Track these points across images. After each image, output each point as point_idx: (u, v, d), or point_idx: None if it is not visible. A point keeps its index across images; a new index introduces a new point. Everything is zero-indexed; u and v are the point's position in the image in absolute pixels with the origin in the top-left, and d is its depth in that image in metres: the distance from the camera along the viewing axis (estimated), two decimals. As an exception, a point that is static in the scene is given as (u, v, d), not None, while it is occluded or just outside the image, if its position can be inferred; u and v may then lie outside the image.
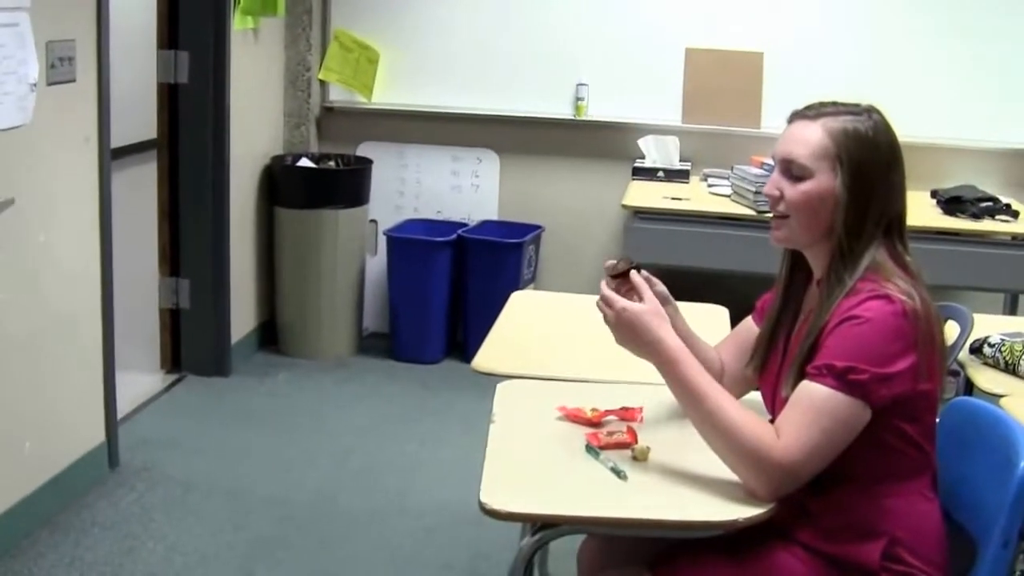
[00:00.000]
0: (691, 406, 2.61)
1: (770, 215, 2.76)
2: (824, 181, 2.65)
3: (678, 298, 2.97)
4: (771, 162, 2.85)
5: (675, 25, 6.66)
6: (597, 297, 2.78)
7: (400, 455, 5.38)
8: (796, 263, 2.83)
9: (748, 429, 2.52)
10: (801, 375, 2.57)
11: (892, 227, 2.70)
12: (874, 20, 6.62)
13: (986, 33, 6.56)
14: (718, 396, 2.58)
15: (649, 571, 2.70)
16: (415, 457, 5.36)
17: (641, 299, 2.72)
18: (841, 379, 2.49)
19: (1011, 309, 6.03)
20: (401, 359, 6.66)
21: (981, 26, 6.56)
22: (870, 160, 2.66)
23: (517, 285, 6.32)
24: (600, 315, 2.75)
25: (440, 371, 6.54)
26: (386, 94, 6.91)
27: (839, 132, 2.66)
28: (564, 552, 3.32)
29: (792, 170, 2.69)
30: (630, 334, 2.68)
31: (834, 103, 2.74)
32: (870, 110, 2.73)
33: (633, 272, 2.79)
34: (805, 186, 2.67)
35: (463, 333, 6.63)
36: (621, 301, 2.70)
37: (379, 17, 6.84)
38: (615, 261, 2.82)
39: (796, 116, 2.76)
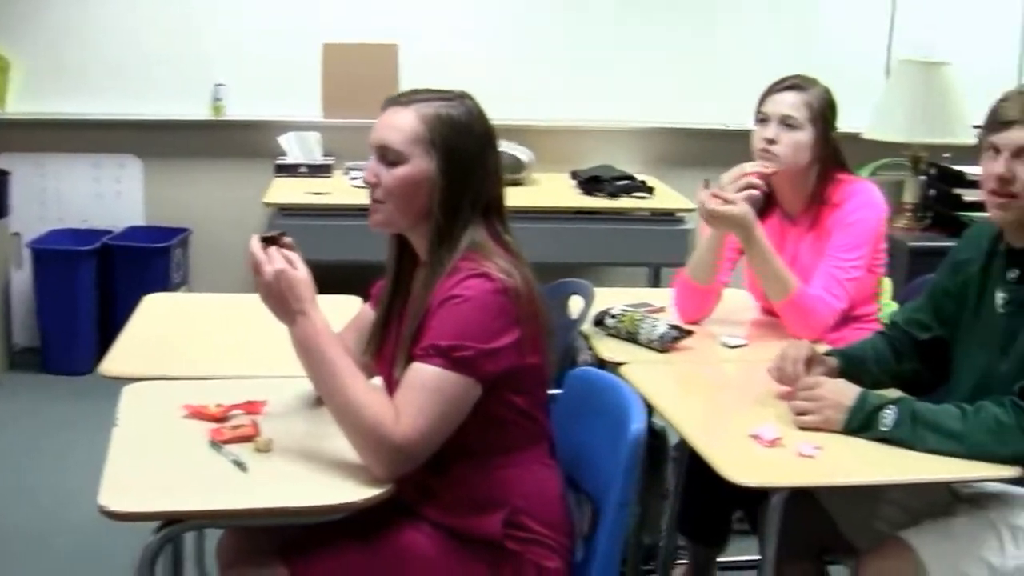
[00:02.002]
0: (322, 381, 2.64)
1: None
2: (419, 165, 2.72)
3: (323, 292, 3.00)
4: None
5: (312, 21, 6.68)
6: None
7: (53, 470, 5.27)
8: (404, 248, 2.89)
9: (371, 409, 2.56)
10: (411, 357, 2.63)
11: (490, 208, 2.78)
12: (510, 7, 6.81)
13: (621, 15, 6.82)
14: (348, 375, 2.61)
15: (282, 561, 2.73)
16: (70, 470, 5.23)
17: (294, 267, 2.70)
18: (447, 357, 2.57)
19: (654, 282, 6.24)
20: (53, 372, 6.51)
21: (615, 9, 6.82)
22: (464, 144, 2.74)
23: (166, 289, 6.25)
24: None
25: (92, 381, 6.37)
26: (21, 103, 6.72)
27: (432, 117, 2.73)
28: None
29: (388, 156, 2.75)
30: (280, 297, 2.67)
31: (427, 90, 2.82)
32: (463, 96, 2.81)
33: (287, 239, 2.77)
34: (400, 171, 2.73)
35: (114, 341, 6.47)
36: (282, 263, 2.68)
37: (6, 24, 6.64)
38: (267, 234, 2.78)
39: (390, 103, 2.82)
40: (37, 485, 5.12)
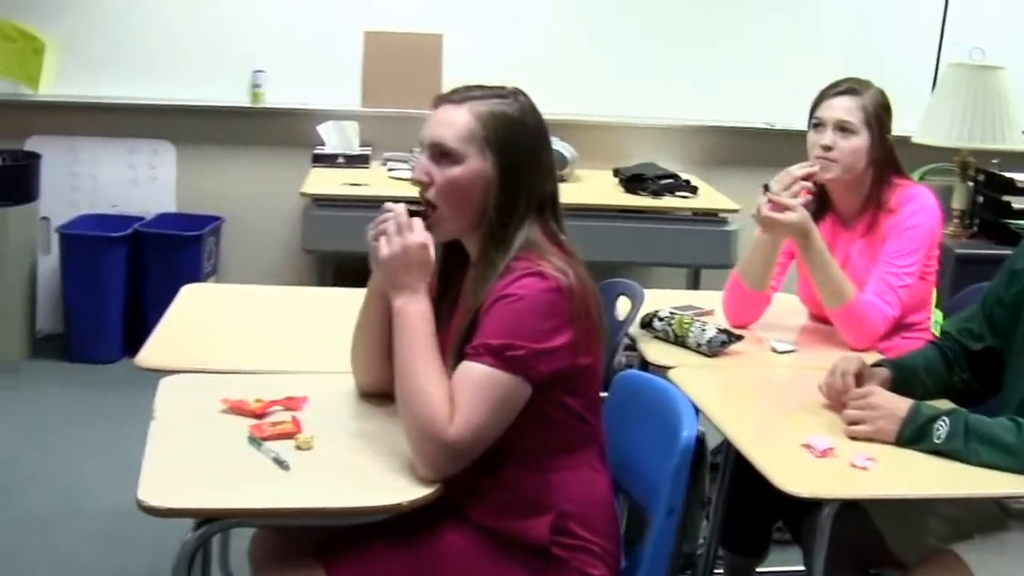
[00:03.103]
0: (404, 360, 2.63)
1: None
2: (474, 165, 2.71)
3: (361, 284, 2.99)
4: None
5: (353, 8, 6.68)
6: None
7: (72, 460, 5.27)
8: (452, 247, 2.87)
9: (434, 403, 2.56)
10: (461, 358, 2.62)
11: (545, 207, 2.77)
12: (553, 1, 6.78)
13: (666, 11, 6.81)
14: (429, 364, 2.61)
15: (319, 561, 2.71)
16: (88, 461, 5.25)
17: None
18: (499, 356, 2.55)
19: (694, 284, 6.22)
20: (78, 360, 6.51)
21: (661, 5, 6.81)
22: (519, 142, 2.73)
23: (198, 278, 6.25)
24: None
25: (118, 371, 6.41)
26: (55, 86, 6.72)
27: (487, 115, 2.72)
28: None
29: (441, 155, 2.73)
30: (406, 267, 2.67)
31: (480, 86, 2.80)
32: (516, 92, 2.80)
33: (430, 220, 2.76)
34: (455, 171, 2.72)
35: (142, 331, 6.38)
36: (427, 238, 2.69)
37: (44, 5, 6.64)
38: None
39: (442, 100, 2.81)
40: (52, 476, 5.11)
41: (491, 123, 2.72)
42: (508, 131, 2.73)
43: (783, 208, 3.68)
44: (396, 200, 2.78)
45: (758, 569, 4.10)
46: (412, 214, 2.72)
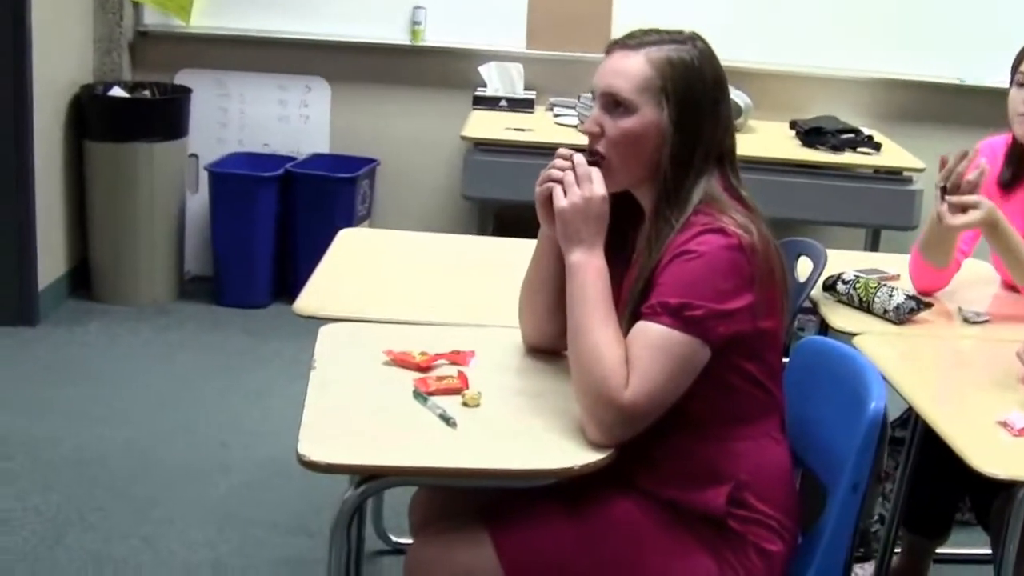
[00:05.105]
0: (577, 317, 2.61)
1: None
2: (648, 115, 2.67)
3: (523, 234, 2.98)
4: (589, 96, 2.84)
5: (521, -58, 6.66)
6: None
7: (222, 408, 5.36)
8: (624, 201, 2.81)
9: (608, 363, 2.53)
10: (636, 317, 2.59)
11: (724, 160, 2.73)
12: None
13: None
14: (603, 322, 2.59)
15: (483, 524, 2.71)
16: (238, 409, 5.34)
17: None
18: (676, 316, 2.52)
19: (872, 245, 6.15)
20: (226, 304, 6.62)
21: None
22: (696, 92, 2.68)
23: (350, 223, 6.29)
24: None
25: (268, 316, 6.52)
26: (206, 18, 6.79)
27: (663, 62, 2.67)
28: (400, 507, 3.36)
29: (614, 104, 2.70)
30: (583, 221, 2.65)
31: (656, 31, 2.75)
32: (694, 38, 2.74)
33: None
34: (628, 122, 2.68)
35: (292, 275, 6.50)
36: (604, 190, 2.67)
37: (197, -68, 6.73)
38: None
39: (616, 46, 2.76)
40: (203, 424, 5.20)
41: (668, 71, 2.67)
42: (685, 80, 2.68)
43: (965, 208, 3.57)
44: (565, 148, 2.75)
45: (938, 551, 4.05)
46: (591, 164, 2.70)
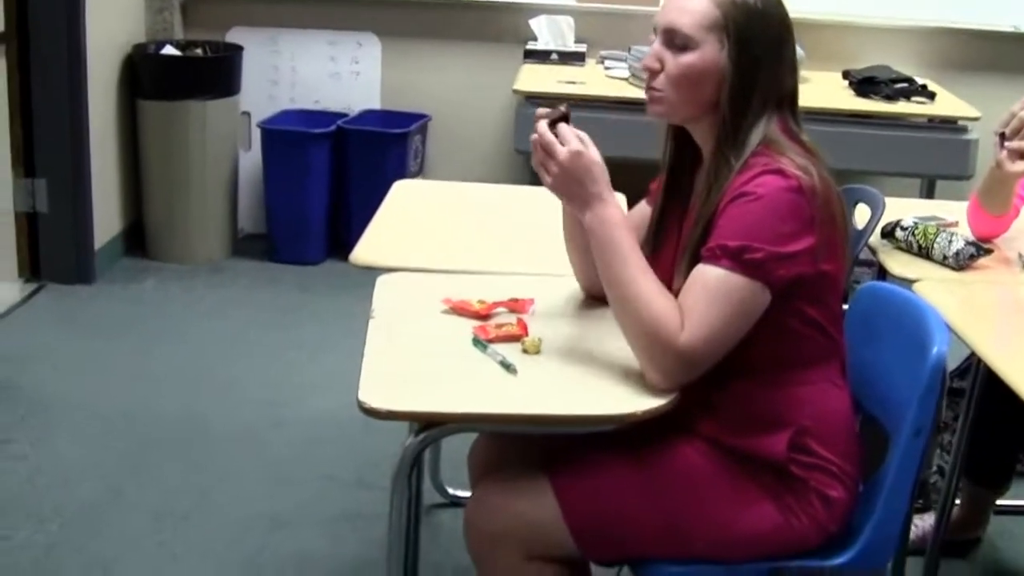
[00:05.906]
0: (611, 271, 2.59)
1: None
2: (708, 53, 2.63)
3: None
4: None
5: None
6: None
7: (278, 363, 5.37)
8: (682, 141, 2.81)
9: (656, 308, 2.51)
10: (695, 260, 2.57)
11: (784, 103, 2.70)
12: None
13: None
14: (639, 268, 2.57)
15: (543, 472, 2.71)
16: (294, 364, 5.35)
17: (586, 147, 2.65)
18: (736, 259, 2.49)
19: (928, 195, 6.08)
20: (280, 261, 6.63)
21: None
22: (759, 33, 2.64)
23: (403, 178, 6.24)
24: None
25: (322, 272, 6.53)
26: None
27: (727, 2, 2.64)
28: (457, 460, 3.36)
29: (675, 41, 2.66)
30: (577, 181, 2.62)
31: None
32: None
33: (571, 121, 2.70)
34: (688, 58, 2.64)
35: (346, 231, 6.50)
36: (577, 144, 2.62)
37: None
38: (547, 110, 2.71)
39: None
40: (259, 379, 5.22)
41: (731, 11, 2.64)
42: (748, 20, 2.64)
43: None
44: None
45: (998, 502, 4.03)
46: (553, 124, 2.66)
